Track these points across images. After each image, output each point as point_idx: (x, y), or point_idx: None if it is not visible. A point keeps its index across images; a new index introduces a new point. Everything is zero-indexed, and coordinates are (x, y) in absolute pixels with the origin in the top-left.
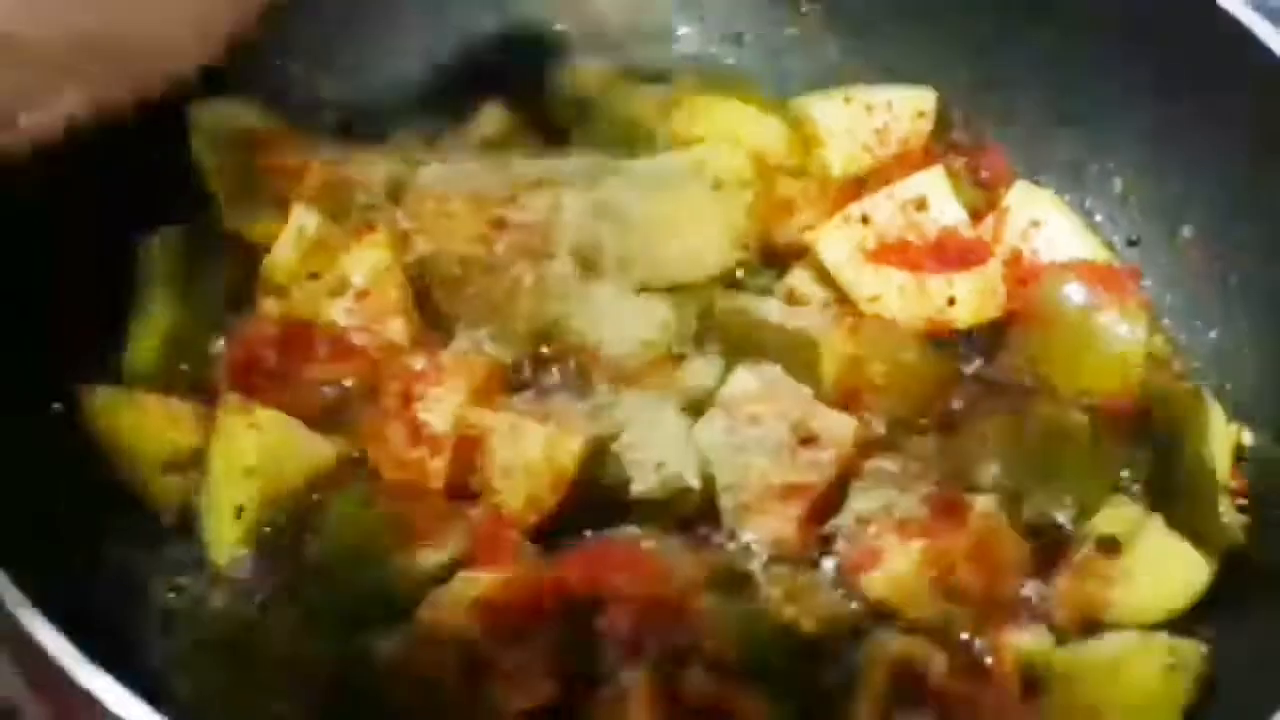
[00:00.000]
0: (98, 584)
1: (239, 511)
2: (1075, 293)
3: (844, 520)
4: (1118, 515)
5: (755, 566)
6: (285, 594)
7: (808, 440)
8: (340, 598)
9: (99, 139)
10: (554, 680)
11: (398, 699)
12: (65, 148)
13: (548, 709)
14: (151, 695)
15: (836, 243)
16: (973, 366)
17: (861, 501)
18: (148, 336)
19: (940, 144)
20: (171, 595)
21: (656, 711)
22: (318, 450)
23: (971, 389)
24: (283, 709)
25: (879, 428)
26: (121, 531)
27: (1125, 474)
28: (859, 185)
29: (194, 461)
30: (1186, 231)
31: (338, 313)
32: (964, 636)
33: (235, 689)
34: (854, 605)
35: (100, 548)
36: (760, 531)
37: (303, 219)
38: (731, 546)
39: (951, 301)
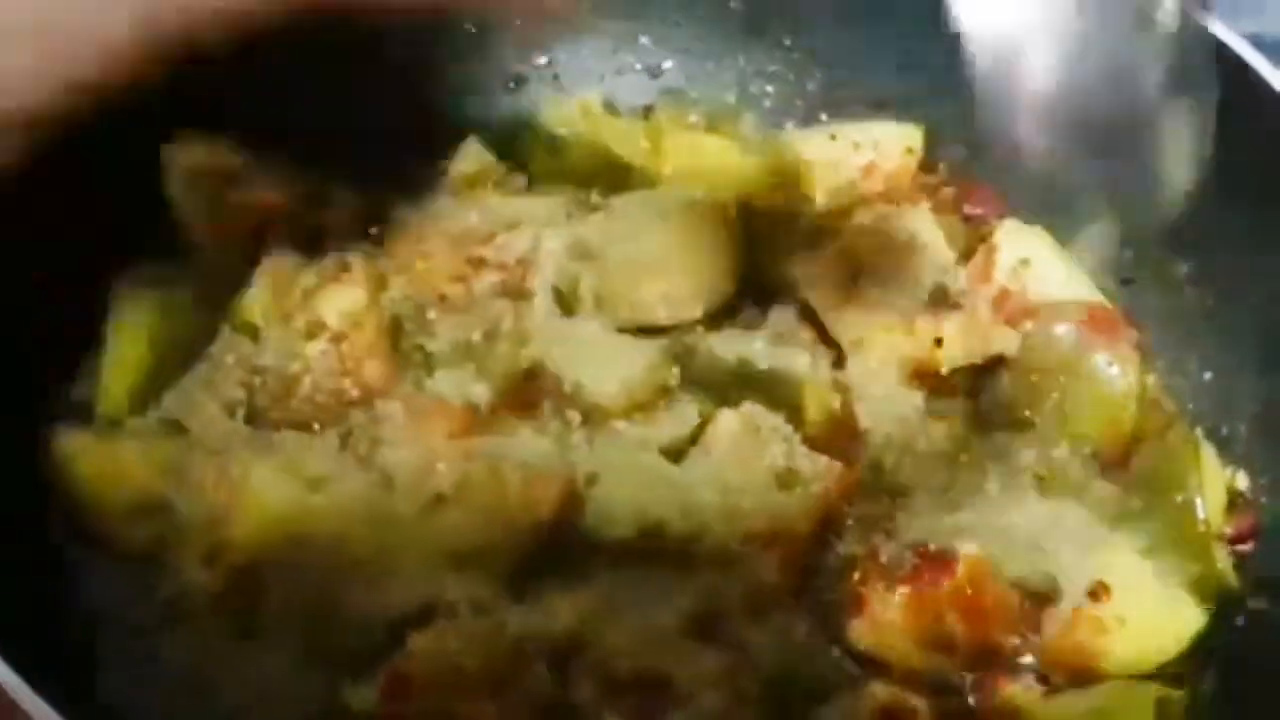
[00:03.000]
0: (61, 626)
1: (211, 557)
2: (1066, 334)
3: (828, 565)
4: (1108, 562)
5: (737, 613)
6: (256, 640)
7: (792, 483)
8: (313, 644)
9: (69, 172)
10: None
11: None
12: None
13: None
14: None
15: (820, 282)
16: (960, 409)
17: (846, 546)
18: (118, 378)
19: (927, 181)
20: (138, 640)
21: None
22: (290, 492)
23: (959, 432)
24: None
25: (864, 470)
26: (86, 574)
27: (1116, 519)
28: (844, 223)
29: (164, 505)
30: (1182, 270)
31: (312, 355)
32: (951, 686)
33: None
34: (837, 653)
35: (64, 589)
36: (742, 577)
37: (276, 259)
38: (713, 592)
39: (939, 343)
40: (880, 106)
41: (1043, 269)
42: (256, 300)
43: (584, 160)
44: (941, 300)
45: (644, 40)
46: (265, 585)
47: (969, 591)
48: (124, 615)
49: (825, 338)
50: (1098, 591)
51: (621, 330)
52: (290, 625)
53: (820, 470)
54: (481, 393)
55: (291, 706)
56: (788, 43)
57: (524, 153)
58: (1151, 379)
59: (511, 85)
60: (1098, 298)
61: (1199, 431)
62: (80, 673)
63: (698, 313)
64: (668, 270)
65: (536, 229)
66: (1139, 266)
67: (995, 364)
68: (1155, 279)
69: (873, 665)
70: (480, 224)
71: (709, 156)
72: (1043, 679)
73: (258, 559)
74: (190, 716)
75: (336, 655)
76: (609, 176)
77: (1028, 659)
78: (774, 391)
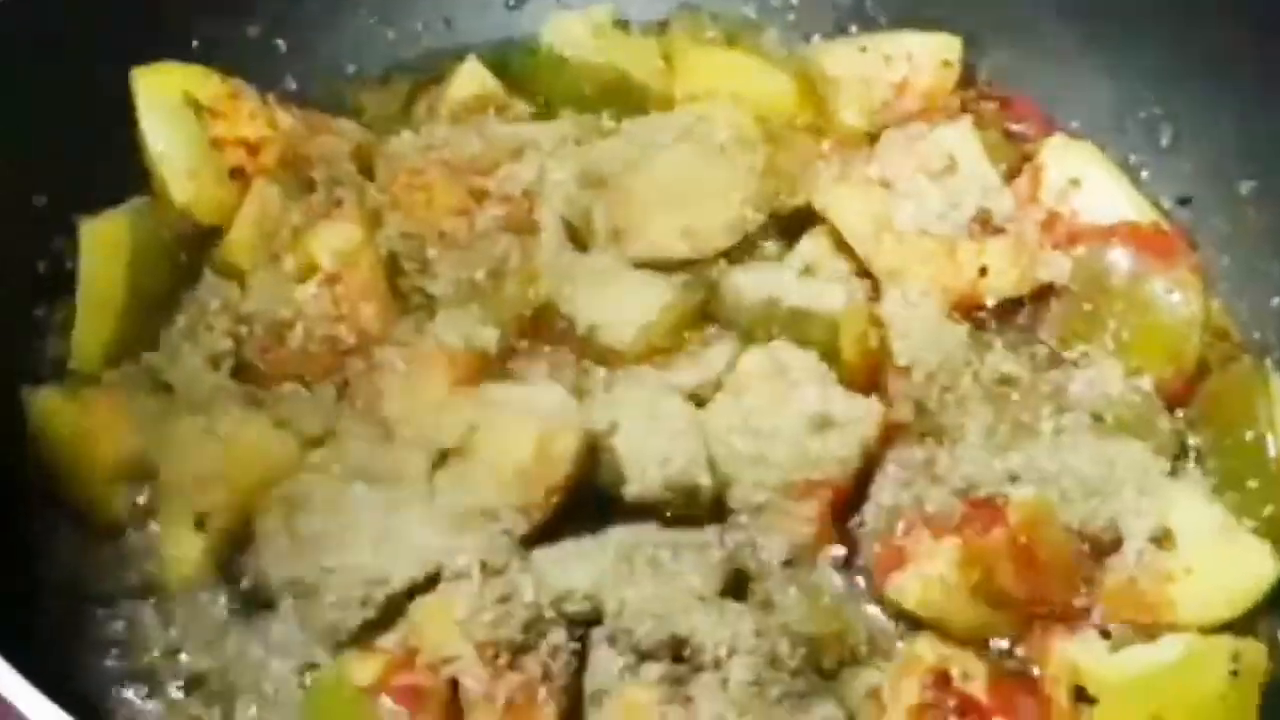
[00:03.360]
0: (40, 605)
1: (200, 521)
2: (1120, 258)
3: (869, 515)
4: (1173, 505)
5: (770, 570)
6: (250, 610)
7: (827, 427)
8: (310, 614)
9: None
10: (558, 702)
11: None
12: None
13: None
14: None
15: (853, 209)
16: (1008, 343)
17: (888, 494)
18: (93, 328)
19: (967, 95)
20: (121, 621)
21: None
22: (283, 450)
23: (1007, 368)
24: None
25: (905, 412)
26: (66, 546)
27: (1180, 458)
28: (877, 143)
29: (147, 469)
30: (1244, 187)
31: (304, 299)
32: (1005, 644)
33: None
34: (879, 612)
35: (42, 565)
36: (776, 532)
37: (263, 195)
38: (744, 548)
39: (983, 271)
40: (915, 16)
41: (1094, 188)
42: (241, 240)
43: (593, 81)
44: (985, 225)
45: None
46: (259, 552)
47: (1022, 540)
48: (105, 586)
49: (860, 269)
50: (1162, 537)
51: (638, 265)
52: (286, 594)
53: (857, 413)
54: (488, 336)
55: (288, 679)
56: None
57: (528, 75)
58: (1215, 305)
59: (512, 2)
60: (1154, 218)
61: (1268, 362)
62: (57, 645)
63: (721, 245)
64: (687, 199)
65: (543, 157)
66: (1198, 183)
67: (1045, 293)
68: (1216, 197)
69: (918, 624)
70: (482, 153)
71: (729, 75)
72: (1105, 634)
73: (250, 524)
74: (178, 691)
75: (336, 624)
76: (621, 98)
77: (1088, 613)
78: (805, 328)
